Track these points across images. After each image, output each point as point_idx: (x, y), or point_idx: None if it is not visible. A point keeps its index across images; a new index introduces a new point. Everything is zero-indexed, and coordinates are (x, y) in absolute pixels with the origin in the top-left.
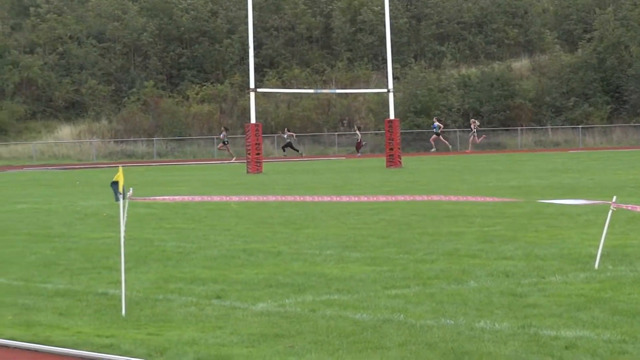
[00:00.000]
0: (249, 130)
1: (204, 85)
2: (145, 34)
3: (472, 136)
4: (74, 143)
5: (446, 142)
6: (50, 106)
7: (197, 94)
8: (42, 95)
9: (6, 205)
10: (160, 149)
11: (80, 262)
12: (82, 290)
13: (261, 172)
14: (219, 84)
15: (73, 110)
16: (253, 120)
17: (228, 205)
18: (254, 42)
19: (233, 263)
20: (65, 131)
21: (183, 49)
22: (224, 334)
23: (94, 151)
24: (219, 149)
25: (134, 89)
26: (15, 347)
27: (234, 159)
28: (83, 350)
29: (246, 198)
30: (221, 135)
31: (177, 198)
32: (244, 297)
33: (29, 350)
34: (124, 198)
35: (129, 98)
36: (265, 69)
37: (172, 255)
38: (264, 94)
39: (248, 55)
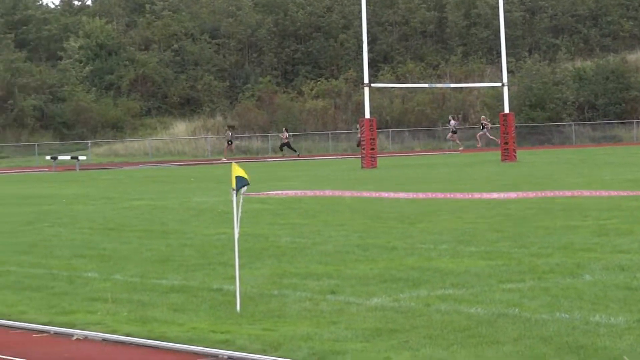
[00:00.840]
0: (363, 125)
1: (319, 80)
2: (261, 29)
3: (484, 131)
4: (189, 139)
5: (458, 142)
6: (165, 102)
7: (311, 89)
8: (157, 91)
9: (123, 202)
10: (275, 144)
11: (195, 258)
12: (196, 286)
13: (376, 166)
14: (334, 80)
15: (188, 107)
16: (367, 115)
17: (342, 200)
18: (368, 37)
19: (347, 258)
20: (180, 127)
21: (298, 44)
22: (338, 329)
23: (209, 147)
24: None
25: (249, 85)
26: (131, 344)
27: (223, 159)
28: (198, 346)
29: (359, 193)
30: (229, 135)
31: (291, 193)
32: (359, 292)
33: (144, 346)
34: (236, 194)
35: (243, 94)
36: (379, 64)
37: (286, 251)
38: (378, 89)
39: (362, 51)
